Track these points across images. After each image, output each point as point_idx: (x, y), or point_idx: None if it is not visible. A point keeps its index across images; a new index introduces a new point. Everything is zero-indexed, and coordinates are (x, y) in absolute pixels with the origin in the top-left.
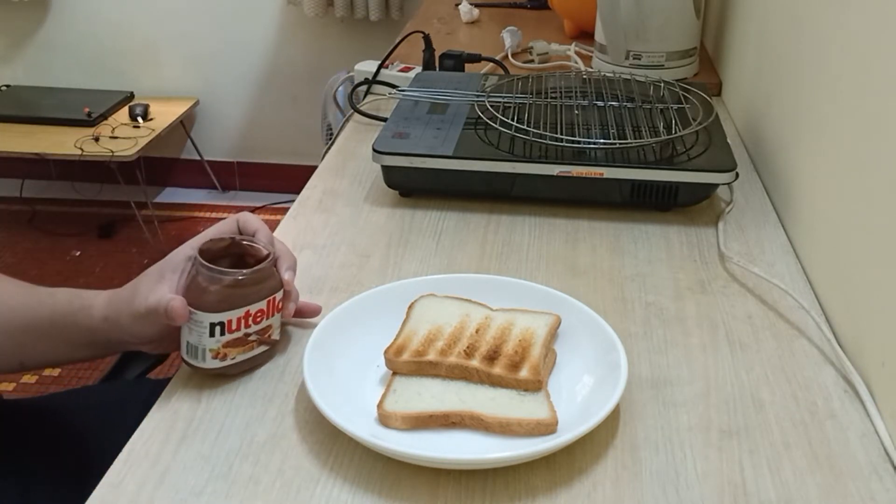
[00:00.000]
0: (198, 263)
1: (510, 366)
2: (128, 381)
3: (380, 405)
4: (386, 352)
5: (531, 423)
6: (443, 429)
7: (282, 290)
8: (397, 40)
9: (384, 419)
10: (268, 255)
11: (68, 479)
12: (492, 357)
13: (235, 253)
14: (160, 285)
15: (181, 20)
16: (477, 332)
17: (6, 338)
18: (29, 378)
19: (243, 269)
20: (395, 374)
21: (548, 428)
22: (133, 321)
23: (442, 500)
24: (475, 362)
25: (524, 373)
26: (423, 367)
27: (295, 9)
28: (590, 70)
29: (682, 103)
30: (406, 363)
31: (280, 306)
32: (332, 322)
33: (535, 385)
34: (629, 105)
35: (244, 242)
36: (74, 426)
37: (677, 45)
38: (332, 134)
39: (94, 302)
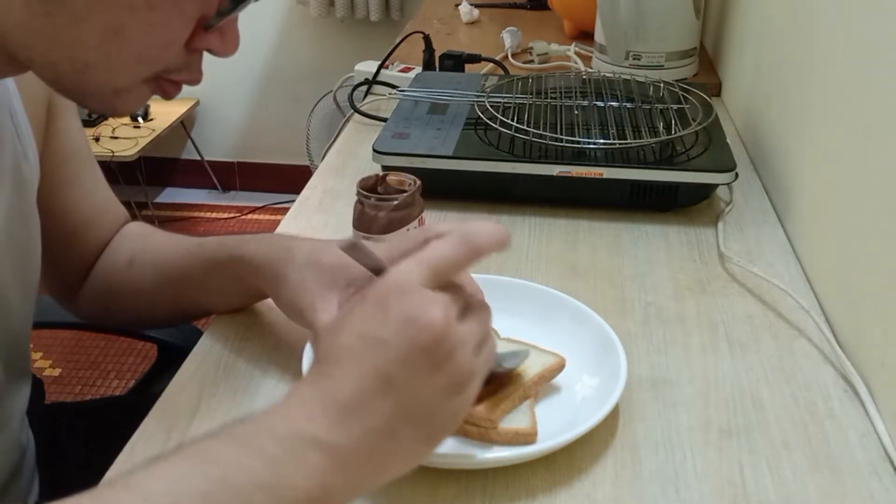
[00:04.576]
0: (363, 197)
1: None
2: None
3: None
4: None
5: (509, 433)
6: None
7: (424, 212)
8: (397, 41)
9: None
10: (413, 182)
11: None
12: None
13: (385, 186)
14: (331, 304)
15: None
16: None
17: (166, 287)
18: None
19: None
20: None
21: (526, 438)
22: (288, 310)
23: (442, 500)
24: None
25: (480, 407)
26: None
27: (294, 9)
28: (589, 70)
29: (682, 103)
30: None
31: (423, 222)
32: None
33: (486, 423)
34: (629, 105)
35: (389, 177)
36: (92, 434)
37: (677, 45)
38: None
39: (242, 254)
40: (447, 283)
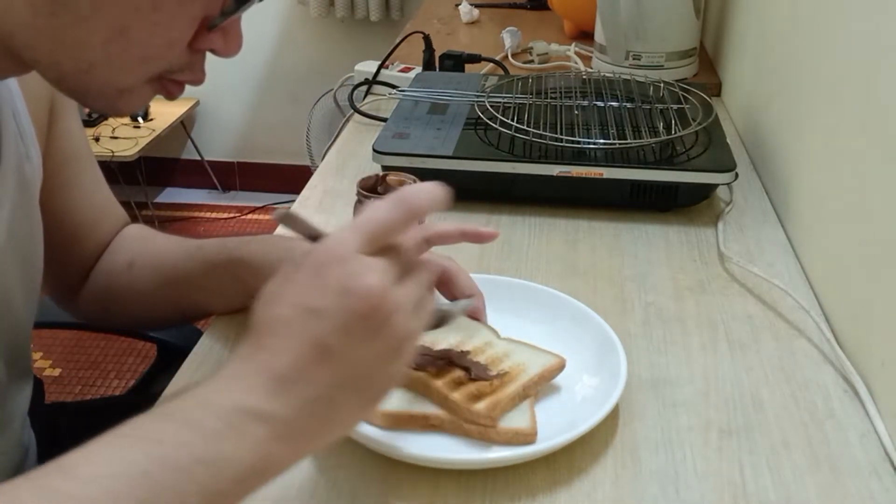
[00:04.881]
0: (362, 197)
1: (472, 395)
2: (154, 395)
3: None
4: None
5: (509, 433)
6: (433, 430)
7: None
8: (397, 41)
9: None
10: (413, 182)
11: None
12: (460, 382)
13: (385, 186)
14: None
15: None
16: (467, 354)
17: (166, 289)
18: None
19: None
20: None
21: (526, 438)
22: None
23: (442, 500)
24: (439, 383)
25: (480, 405)
26: None
27: (295, 9)
28: (589, 70)
29: (682, 103)
30: None
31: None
32: None
33: (486, 421)
34: (629, 105)
35: (389, 177)
36: (92, 434)
37: (677, 45)
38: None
39: (241, 255)
40: (385, 246)
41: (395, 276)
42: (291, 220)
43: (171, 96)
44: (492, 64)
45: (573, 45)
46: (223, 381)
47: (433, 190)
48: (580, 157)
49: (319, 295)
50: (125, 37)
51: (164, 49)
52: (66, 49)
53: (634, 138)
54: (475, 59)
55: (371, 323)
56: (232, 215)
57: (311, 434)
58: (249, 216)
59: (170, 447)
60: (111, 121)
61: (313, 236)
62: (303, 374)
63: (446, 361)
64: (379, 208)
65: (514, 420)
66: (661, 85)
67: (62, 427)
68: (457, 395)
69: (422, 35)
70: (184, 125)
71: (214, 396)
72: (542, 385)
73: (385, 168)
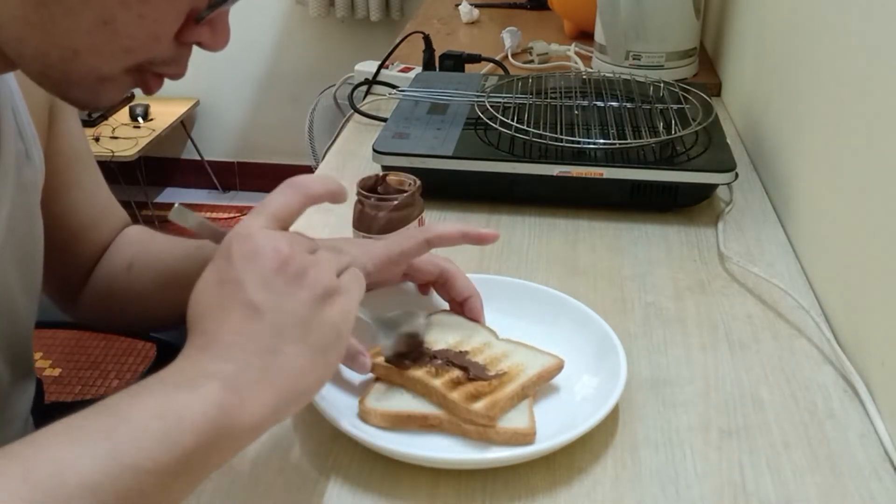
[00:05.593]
0: (363, 197)
1: (470, 395)
2: None
3: (361, 401)
4: (368, 350)
5: (508, 432)
6: (432, 430)
7: (424, 212)
8: (397, 41)
9: (363, 415)
10: (413, 182)
11: None
12: (458, 382)
13: (385, 186)
14: None
15: None
16: (465, 354)
17: (166, 290)
18: None
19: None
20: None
21: (525, 438)
22: None
23: (442, 500)
24: (438, 382)
25: (478, 404)
26: (391, 374)
27: (295, 9)
28: (589, 70)
29: (682, 103)
30: (378, 366)
31: (423, 222)
32: None
33: (485, 420)
34: (629, 105)
35: (389, 177)
36: None
37: (677, 45)
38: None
39: None
40: (294, 233)
41: (303, 247)
42: (186, 218)
43: (149, 91)
44: (492, 64)
45: (573, 45)
46: (172, 364)
47: (327, 179)
48: (580, 157)
49: (232, 268)
50: (111, 26)
51: (151, 41)
52: (54, 39)
53: (634, 138)
54: (475, 59)
55: (287, 275)
56: (232, 215)
57: (266, 385)
58: None
59: (126, 410)
60: (111, 121)
61: (217, 238)
62: (241, 334)
63: (445, 361)
64: (275, 192)
65: (514, 420)
66: (661, 85)
67: None
68: (455, 395)
69: (422, 35)
70: (184, 125)
71: (163, 374)
72: (540, 385)
73: (385, 168)
